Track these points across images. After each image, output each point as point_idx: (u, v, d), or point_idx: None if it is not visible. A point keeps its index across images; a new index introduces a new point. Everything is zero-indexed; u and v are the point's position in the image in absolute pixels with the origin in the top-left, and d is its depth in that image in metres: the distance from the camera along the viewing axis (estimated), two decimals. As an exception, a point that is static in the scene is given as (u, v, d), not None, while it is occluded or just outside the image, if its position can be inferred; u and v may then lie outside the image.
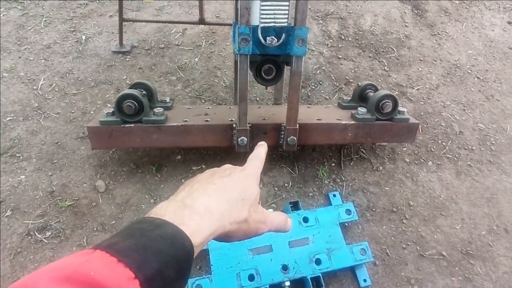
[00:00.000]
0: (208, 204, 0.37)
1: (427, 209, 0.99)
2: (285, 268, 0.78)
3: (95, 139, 0.87)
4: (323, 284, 0.78)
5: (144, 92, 0.89)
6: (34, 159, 0.98)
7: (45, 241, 0.85)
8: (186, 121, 0.87)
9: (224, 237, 0.39)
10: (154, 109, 0.87)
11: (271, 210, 0.48)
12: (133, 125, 0.85)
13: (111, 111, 0.86)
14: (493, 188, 1.07)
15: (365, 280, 0.85)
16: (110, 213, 0.91)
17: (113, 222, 0.90)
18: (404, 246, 0.92)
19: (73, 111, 1.09)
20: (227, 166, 0.48)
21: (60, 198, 0.92)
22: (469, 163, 1.11)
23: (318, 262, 0.80)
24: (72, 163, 0.99)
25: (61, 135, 1.03)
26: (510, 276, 0.91)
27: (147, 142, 0.87)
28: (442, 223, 0.97)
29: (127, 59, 1.25)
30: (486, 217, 1.00)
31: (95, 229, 0.88)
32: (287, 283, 0.78)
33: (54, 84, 1.15)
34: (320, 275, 0.78)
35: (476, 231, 0.97)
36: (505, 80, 1.37)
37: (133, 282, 0.26)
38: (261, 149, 0.53)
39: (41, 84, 1.14)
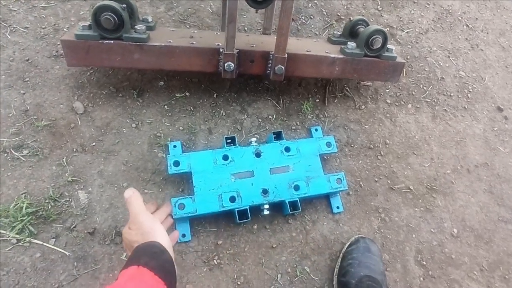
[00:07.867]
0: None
1: (401, 148, 1.04)
2: (265, 192, 0.82)
3: (70, 55, 0.80)
4: (300, 208, 0.83)
5: (124, 5, 0.81)
6: (3, 76, 0.91)
7: (23, 159, 0.83)
8: (170, 42, 0.82)
9: None
10: (136, 26, 0.81)
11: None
12: (112, 41, 0.79)
13: (87, 25, 0.79)
14: (463, 133, 1.13)
15: (338, 207, 0.91)
16: (90, 135, 0.89)
17: (94, 144, 0.88)
18: (376, 179, 0.98)
19: (43, 27, 1.00)
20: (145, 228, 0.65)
21: (35, 117, 0.88)
22: (445, 108, 1.15)
23: (296, 188, 0.84)
24: (46, 83, 0.93)
25: (31, 52, 0.96)
26: (465, 209, 1.01)
27: (128, 62, 0.82)
28: (413, 161, 1.03)
29: (103, -27, 1.12)
30: (453, 158, 1.07)
31: (74, 149, 0.86)
32: (266, 206, 0.82)
33: (19, -6, 1.03)
34: (298, 199, 0.83)
35: (442, 169, 1.05)
36: (492, 30, 1.38)
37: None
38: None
39: (4, -7, 1.01)
